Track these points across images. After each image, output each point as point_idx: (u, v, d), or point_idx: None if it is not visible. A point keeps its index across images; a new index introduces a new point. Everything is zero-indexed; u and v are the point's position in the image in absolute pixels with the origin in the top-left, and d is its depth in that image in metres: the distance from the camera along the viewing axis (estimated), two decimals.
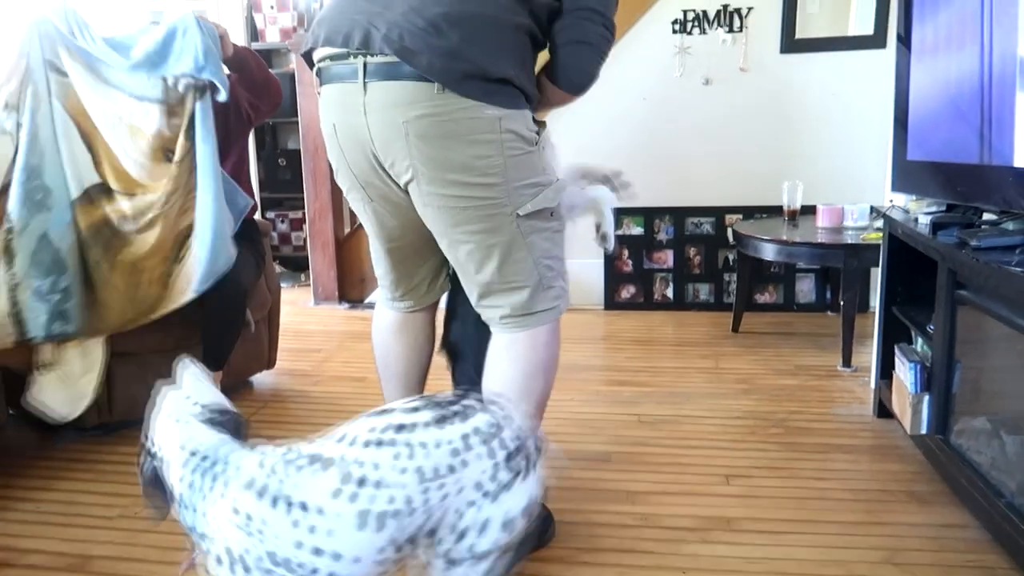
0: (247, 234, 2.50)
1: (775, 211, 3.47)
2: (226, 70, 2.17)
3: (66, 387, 2.14)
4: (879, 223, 2.70)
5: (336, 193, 4.04)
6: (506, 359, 1.53)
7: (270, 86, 2.50)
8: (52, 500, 1.94)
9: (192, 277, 2.10)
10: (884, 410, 2.33)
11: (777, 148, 3.66)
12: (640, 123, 3.70)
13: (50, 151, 2.05)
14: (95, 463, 2.14)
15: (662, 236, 3.79)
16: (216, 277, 2.10)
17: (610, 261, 3.82)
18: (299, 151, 4.06)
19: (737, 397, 2.56)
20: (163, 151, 2.10)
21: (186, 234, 2.14)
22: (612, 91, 3.55)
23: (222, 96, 2.04)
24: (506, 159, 1.39)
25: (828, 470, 2.04)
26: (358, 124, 1.40)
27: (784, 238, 2.98)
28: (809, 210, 3.30)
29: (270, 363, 2.83)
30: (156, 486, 1.15)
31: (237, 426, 1.17)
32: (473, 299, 1.57)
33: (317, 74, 1.49)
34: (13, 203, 2.00)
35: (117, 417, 2.29)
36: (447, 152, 1.37)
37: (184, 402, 1.17)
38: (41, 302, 2.00)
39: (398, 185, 1.46)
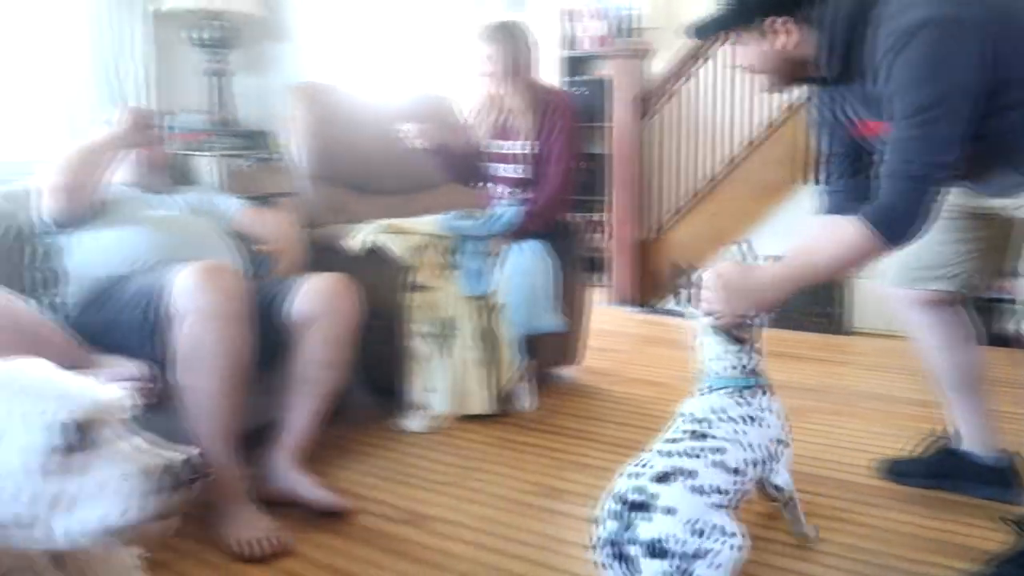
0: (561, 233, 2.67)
1: None
2: None
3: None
4: None
5: (640, 198, 4.10)
6: None
7: None
8: (391, 460, 2.18)
9: None
10: None
11: None
12: None
13: None
14: (430, 435, 2.37)
15: None
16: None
17: None
18: (600, 155, 4.20)
19: None
20: None
21: None
22: None
23: None
24: None
25: None
26: None
27: None
28: None
29: (576, 359, 2.92)
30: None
31: None
32: None
33: None
34: None
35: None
36: None
37: None
38: None
39: None
